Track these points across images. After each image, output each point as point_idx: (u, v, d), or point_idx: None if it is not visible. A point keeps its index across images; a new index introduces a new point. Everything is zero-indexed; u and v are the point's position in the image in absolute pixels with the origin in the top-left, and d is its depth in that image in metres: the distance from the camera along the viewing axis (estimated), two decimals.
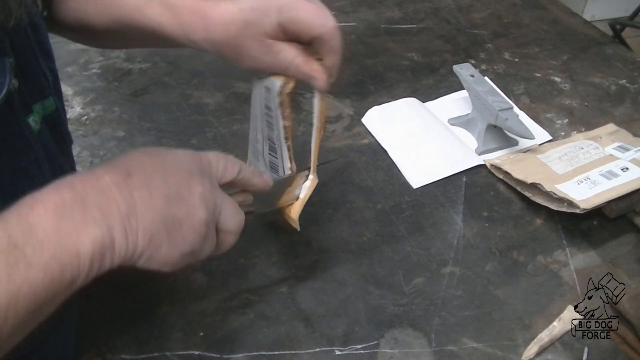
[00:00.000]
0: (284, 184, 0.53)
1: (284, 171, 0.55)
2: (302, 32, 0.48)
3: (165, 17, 0.49)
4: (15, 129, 0.40)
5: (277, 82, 0.51)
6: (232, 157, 0.44)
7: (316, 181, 0.55)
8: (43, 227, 0.32)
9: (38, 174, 0.43)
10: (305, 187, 0.55)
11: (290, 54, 0.49)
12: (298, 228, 0.53)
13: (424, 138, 0.74)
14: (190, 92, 0.83)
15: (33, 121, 0.42)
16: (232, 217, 0.42)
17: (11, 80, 0.37)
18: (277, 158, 0.55)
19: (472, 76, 0.76)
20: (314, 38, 0.48)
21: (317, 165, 0.55)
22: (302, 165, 0.55)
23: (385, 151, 0.73)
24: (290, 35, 0.48)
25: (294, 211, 0.54)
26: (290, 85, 0.51)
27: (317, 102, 0.53)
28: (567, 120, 0.79)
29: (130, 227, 0.35)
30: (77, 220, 0.33)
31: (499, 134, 0.74)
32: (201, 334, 0.53)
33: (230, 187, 0.45)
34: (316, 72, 0.49)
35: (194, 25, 0.49)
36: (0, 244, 0.30)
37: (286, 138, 0.53)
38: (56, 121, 0.46)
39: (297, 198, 0.54)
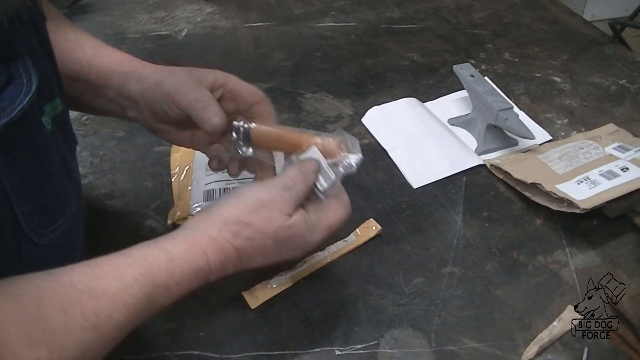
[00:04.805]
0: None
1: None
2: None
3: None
4: (37, 129, 0.41)
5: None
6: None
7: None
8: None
9: (55, 175, 0.44)
10: None
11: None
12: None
13: (423, 138, 0.74)
14: None
15: (46, 122, 0.42)
16: None
17: (36, 77, 0.38)
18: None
19: (472, 76, 0.76)
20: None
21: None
22: None
23: (385, 151, 0.73)
24: None
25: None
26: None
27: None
28: (567, 120, 0.79)
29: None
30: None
31: (499, 134, 0.74)
32: (201, 334, 0.53)
33: None
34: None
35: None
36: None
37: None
38: (64, 122, 0.47)
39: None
